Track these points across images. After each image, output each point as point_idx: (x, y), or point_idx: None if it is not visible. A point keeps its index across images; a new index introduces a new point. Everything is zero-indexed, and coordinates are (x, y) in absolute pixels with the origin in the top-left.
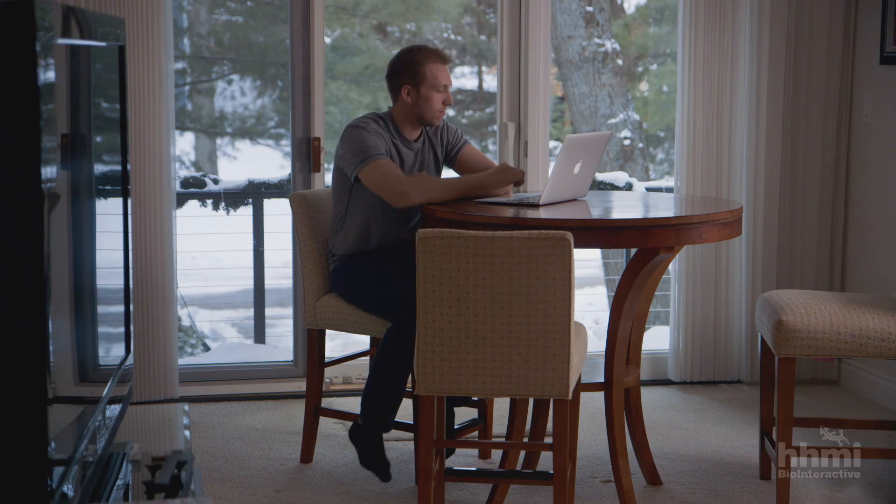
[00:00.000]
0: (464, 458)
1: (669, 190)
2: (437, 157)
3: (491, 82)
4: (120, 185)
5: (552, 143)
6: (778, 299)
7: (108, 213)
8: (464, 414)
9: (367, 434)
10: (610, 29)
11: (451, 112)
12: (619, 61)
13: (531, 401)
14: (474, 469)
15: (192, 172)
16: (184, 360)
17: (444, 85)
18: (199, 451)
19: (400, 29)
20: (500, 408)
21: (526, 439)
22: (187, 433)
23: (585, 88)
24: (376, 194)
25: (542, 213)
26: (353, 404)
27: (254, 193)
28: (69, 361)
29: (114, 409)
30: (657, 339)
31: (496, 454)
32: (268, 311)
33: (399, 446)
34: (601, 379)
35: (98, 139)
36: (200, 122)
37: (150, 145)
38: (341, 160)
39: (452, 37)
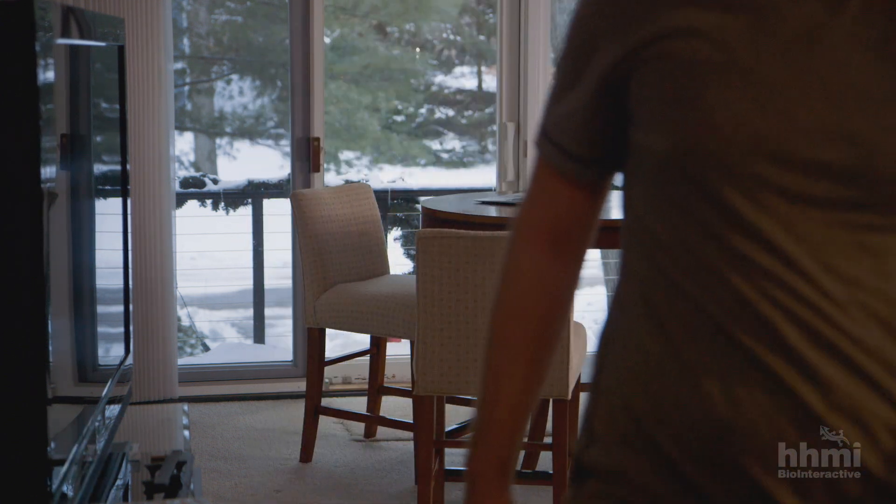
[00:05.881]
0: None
1: None
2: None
3: (490, 82)
4: (119, 185)
5: None
6: None
7: (108, 213)
8: (464, 414)
9: None
10: None
11: (450, 112)
12: None
13: None
14: None
15: (192, 172)
16: (183, 360)
17: None
18: (199, 451)
19: (399, 29)
20: None
21: (525, 439)
22: (187, 433)
23: None
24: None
25: None
26: (353, 404)
27: (253, 193)
28: (69, 361)
29: (113, 409)
30: None
31: None
32: (267, 311)
33: (399, 446)
34: None
35: (98, 139)
36: (200, 122)
37: (149, 145)
38: None
39: (451, 37)
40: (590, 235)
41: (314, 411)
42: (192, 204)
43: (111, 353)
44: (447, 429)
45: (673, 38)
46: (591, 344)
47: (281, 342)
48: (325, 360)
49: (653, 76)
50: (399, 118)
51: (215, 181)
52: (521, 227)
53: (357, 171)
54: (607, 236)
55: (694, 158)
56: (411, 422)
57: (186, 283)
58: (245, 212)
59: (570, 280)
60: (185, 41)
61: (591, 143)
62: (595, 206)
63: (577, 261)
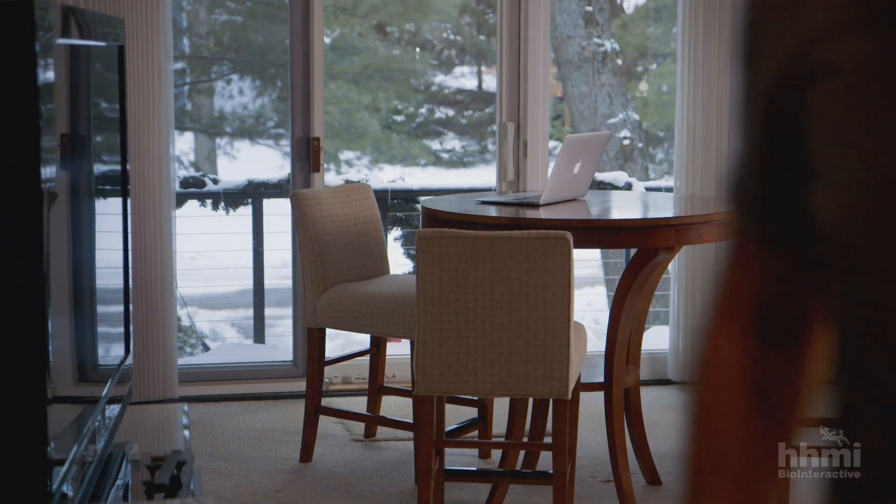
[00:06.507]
0: (464, 458)
1: (669, 190)
2: None
3: (490, 82)
4: (119, 185)
5: (552, 143)
6: None
7: (108, 213)
8: (464, 413)
9: None
10: (609, 29)
11: (450, 112)
12: (619, 61)
13: (531, 400)
14: (474, 469)
15: (192, 172)
16: (183, 360)
17: None
18: (199, 451)
19: (399, 29)
20: (500, 408)
21: (525, 439)
22: (187, 433)
23: (585, 88)
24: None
25: (542, 213)
26: (353, 404)
27: (253, 193)
28: (69, 361)
29: (113, 409)
30: (657, 338)
31: (496, 454)
32: (267, 311)
33: (399, 446)
34: (601, 379)
35: (98, 139)
36: (200, 122)
37: (149, 145)
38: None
39: (452, 37)
40: (809, 319)
41: (314, 411)
42: (192, 204)
43: (111, 353)
44: (447, 429)
45: (841, 35)
46: (591, 344)
47: (281, 342)
48: (325, 360)
49: (820, 101)
50: (399, 118)
51: (215, 181)
52: (714, 302)
53: (357, 171)
54: (607, 236)
55: (853, 237)
56: (411, 422)
57: (186, 283)
58: (245, 212)
59: (787, 373)
60: (185, 41)
61: (770, 194)
62: (805, 279)
63: (797, 350)
